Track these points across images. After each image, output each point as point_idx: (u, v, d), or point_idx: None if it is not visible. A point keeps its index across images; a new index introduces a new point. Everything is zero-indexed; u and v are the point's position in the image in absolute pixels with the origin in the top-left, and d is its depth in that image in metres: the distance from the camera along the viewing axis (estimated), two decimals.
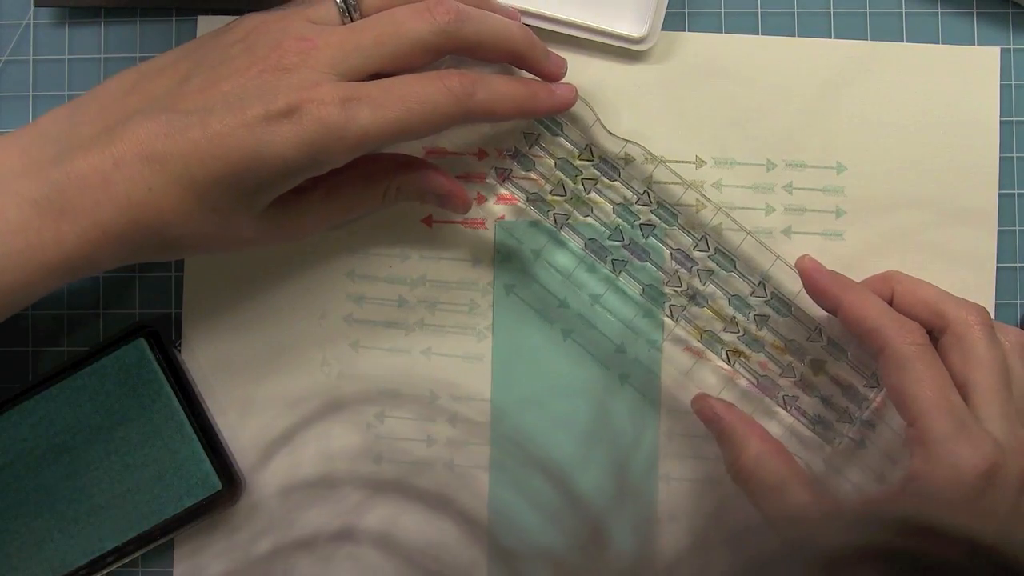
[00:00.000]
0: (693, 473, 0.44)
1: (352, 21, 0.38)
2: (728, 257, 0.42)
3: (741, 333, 0.42)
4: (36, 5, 0.45)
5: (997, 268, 0.43)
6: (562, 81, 0.41)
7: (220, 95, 0.35)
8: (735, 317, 0.43)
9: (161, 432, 0.43)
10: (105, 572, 0.43)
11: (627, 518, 0.44)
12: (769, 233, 0.43)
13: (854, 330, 0.39)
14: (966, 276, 0.42)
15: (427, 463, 0.44)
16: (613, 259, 0.43)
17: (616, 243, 0.43)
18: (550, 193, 0.43)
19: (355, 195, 0.40)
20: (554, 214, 0.43)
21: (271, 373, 0.44)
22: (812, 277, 0.40)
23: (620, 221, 0.43)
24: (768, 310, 0.42)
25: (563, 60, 0.41)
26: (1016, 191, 0.44)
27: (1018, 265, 0.44)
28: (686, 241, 0.43)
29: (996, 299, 0.43)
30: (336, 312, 0.44)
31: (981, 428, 0.35)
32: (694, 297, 0.43)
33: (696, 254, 0.43)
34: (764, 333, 0.42)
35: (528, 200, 0.43)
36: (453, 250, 0.44)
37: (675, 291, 0.43)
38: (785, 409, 0.42)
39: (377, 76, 0.37)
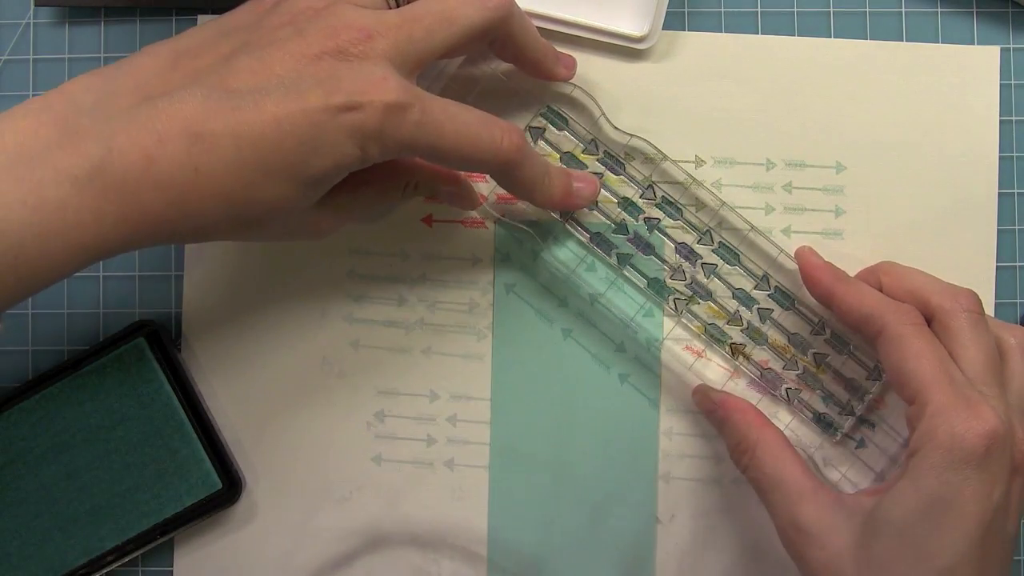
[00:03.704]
0: (693, 472, 0.44)
1: (398, 5, 0.37)
2: (732, 251, 0.43)
3: (744, 327, 0.43)
4: (36, 5, 0.45)
5: (997, 268, 0.43)
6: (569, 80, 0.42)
7: (275, 78, 0.33)
8: (739, 311, 0.43)
9: (161, 432, 0.43)
10: (105, 572, 0.43)
11: (628, 516, 0.44)
12: (769, 232, 0.43)
13: (850, 320, 0.39)
14: (966, 275, 0.42)
15: (427, 463, 0.44)
16: (618, 253, 0.43)
17: (621, 237, 0.43)
18: None
19: (379, 191, 0.39)
20: None
21: (271, 372, 0.44)
22: (808, 268, 0.41)
23: (625, 215, 0.43)
24: (772, 304, 0.43)
25: (572, 60, 0.42)
26: (1016, 191, 0.44)
27: (1018, 265, 0.44)
28: (690, 235, 0.43)
29: (996, 299, 0.43)
30: (336, 311, 0.44)
31: (981, 396, 0.35)
32: (698, 291, 0.43)
33: (700, 248, 0.43)
34: (767, 327, 0.43)
35: None
36: (453, 249, 0.44)
37: (679, 285, 0.43)
38: (788, 403, 0.42)
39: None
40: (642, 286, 0.43)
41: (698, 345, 0.43)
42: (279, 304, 0.44)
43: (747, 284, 0.43)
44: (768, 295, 0.43)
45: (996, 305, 0.43)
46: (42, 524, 0.43)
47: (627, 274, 0.43)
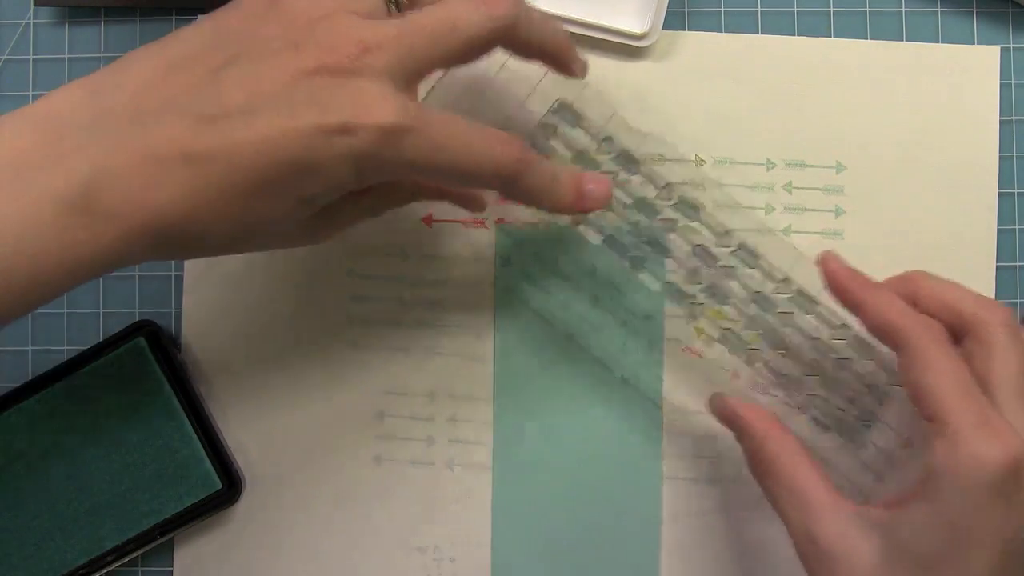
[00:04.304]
0: (696, 473, 0.44)
1: (399, 11, 0.36)
2: (751, 253, 0.41)
3: (759, 330, 0.42)
4: (36, 5, 0.45)
5: (997, 268, 0.43)
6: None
7: (267, 95, 0.32)
8: (753, 314, 0.42)
9: (161, 432, 0.43)
10: (105, 571, 0.43)
11: (631, 517, 0.44)
12: (769, 233, 0.43)
13: (874, 329, 0.38)
14: (966, 275, 0.42)
15: (427, 463, 0.44)
16: (631, 255, 0.42)
17: (635, 239, 0.42)
18: None
19: (382, 195, 0.39)
20: None
21: (271, 372, 0.44)
22: (833, 275, 0.39)
23: (639, 216, 0.42)
24: (792, 307, 0.41)
25: (584, 61, 0.41)
26: (1016, 191, 0.44)
27: (1018, 265, 0.44)
28: (707, 237, 0.42)
29: (996, 299, 0.43)
30: (336, 312, 0.44)
31: (1005, 421, 0.34)
32: (713, 294, 0.42)
33: (717, 250, 0.42)
34: (783, 330, 0.42)
35: None
36: (453, 249, 0.44)
37: (694, 288, 0.42)
38: (800, 407, 0.41)
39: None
40: (656, 289, 0.42)
41: (700, 346, 0.43)
42: (279, 304, 0.45)
43: (766, 287, 0.41)
44: (789, 298, 0.41)
45: None
46: (42, 524, 0.43)
47: (641, 277, 0.42)
